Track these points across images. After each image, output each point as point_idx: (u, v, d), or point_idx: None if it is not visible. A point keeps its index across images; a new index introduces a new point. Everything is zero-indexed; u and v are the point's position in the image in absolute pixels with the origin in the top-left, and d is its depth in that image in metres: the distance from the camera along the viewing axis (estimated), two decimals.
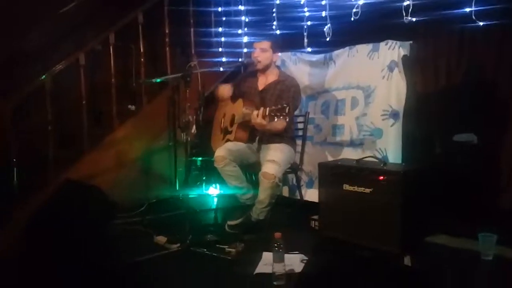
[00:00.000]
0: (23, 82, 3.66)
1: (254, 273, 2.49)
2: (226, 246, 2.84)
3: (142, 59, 4.16)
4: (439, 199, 3.03)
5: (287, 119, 2.95)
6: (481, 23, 2.86)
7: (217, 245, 2.89)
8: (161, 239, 3.03)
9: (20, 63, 4.12)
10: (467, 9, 2.89)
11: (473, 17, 2.86)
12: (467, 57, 3.47)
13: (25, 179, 3.47)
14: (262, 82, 3.49)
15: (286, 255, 2.41)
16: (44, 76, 3.58)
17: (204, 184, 3.99)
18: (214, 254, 2.78)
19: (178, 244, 2.89)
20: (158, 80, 3.71)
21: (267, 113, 2.94)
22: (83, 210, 3.06)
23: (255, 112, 3.05)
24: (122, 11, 4.19)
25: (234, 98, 3.58)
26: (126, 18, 4.07)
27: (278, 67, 3.61)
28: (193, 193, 3.83)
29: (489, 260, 2.48)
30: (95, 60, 4.14)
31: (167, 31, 4.30)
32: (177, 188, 3.56)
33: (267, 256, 2.57)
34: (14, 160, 3.41)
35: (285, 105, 2.85)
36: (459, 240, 2.69)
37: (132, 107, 4.27)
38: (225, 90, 3.64)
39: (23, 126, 3.78)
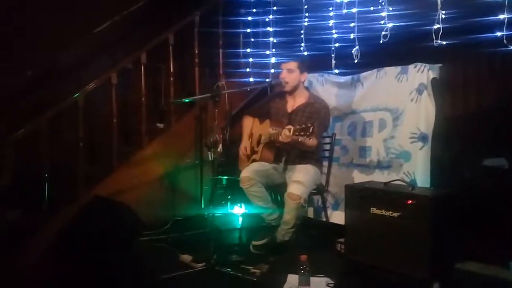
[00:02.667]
0: (58, 98, 3.78)
1: None
2: (251, 267, 2.84)
3: (171, 79, 4.24)
4: (469, 225, 2.96)
5: (310, 140, 2.96)
6: None
7: (242, 266, 2.88)
8: (186, 257, 3.04)
9: (56, 80, 4.26)
10: (498, 33, 2.86)
11: (505, 41, 2.83)
12: (498, 81, 3.43)
13: (56, 194, 3.56)
14: (291, 104, 3.50)
15: (311, 278, 2.39)
16: (78, 94, 3.69)
17: (229, 203, 4.00)
18: (238, 274, 2.78)
19: (203, 263, 2.90)
20: (187, 100, 3.78)
21: (291, 133, 2.96)
22: (110, 226, 3.10)
23: (286, 131, 3.06)
24: (153, 31, 4.30)
25: (262, 118, 3.61)
26: (157, 39, 4.17)
27: (307, 88, 3.62)
28: (218, 212, 3.84)
29: None
30: (126, 79, 4.25)
31: (196, 52, 4.39)
32: (203, 207, 3.57)
33: (292, 278, 2.55)
34: (46, 175, 3.51)
35: (309, 125, 2.87)
36: (490, 268, 2.60)
37: (161, 125, 4.34)
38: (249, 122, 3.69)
39: (56, 141, 3.89)
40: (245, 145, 3.57)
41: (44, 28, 4.07)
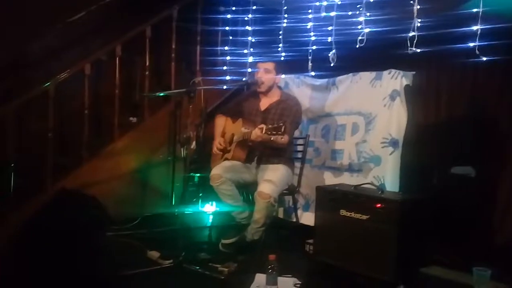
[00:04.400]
0: (28, 87, 3.67)
1: None
2: (219, 265, 2.82)
3: (147, 72, 4.18)
4: (436, 230, 3.02)
5: (282, 138, 2.97)
6: (484, 58, 2.89)
7: (210, 264, 2.87)
8: (153, 254, 3.01)
9: (27, 68, 4.15)
10: (471, 44, 2.92)
11: (477, 51, 2.89)
12: (469, 90, 3.51)
13: (23, 184, 3.47)
14: (264, 103, 3.52)
15: (279, 278, 2.39)
16: (48, 83, 3.60)
17: (200, 201, 3.97)
18: (206, 272, 2.76)
19: (171, 260, 2.87)
20: (162, 94, 3.73)
21: (263, 132, 2.97)
22: (77, 219, 3.04)
23: (256, 129, 3.06)
24: (130, 23, 4.23)
25: (235, 117, 3.60)
26: (134, 31, 4.11)
27: (279, 87, 3.64)
28: (189, 209, 3.81)
29: None
30: (100, 71, 4.17)
31: (173, 47, 4.34)
32: (173, 204, 3.54)
33: (260, 278, 2.55)
34: (13, 164, 3.41)
35: (281, 124, 2.88)
36: (454, 273, 2.66)
37: (134, 119, 4.28)
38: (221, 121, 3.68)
39: (24, 131, 3.79)
40: (219, 141, 3.55)
41: (17, 15, 3.96)
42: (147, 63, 4.17)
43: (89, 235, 2.99)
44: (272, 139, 2.99)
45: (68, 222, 2.94)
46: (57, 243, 2.72)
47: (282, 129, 2.87)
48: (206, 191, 3.84)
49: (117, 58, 3.99)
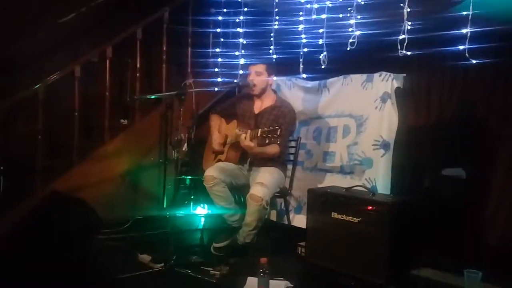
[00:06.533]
0: (17, 89, 3.64)
1: None
2: (211, 269, 2.82)
3: (138, 74, 4.16)
4: (426, 232, 3.04)
5: (278, 142, 2.97)
6: (474, 61, 2.91)
7: (202, 267, 2.86)
8: (145, 257, 2.99)
9: (16, 69, 4.11)
10: (461, 47, 2.94)
11: (466, 54, 2.91)
12: (459, 93, 3.54)
13: (12, 187, 3.43)
14: (258, 105, 3.52)
15: (270, 281, 2.39)
16: (38, 85, 3.57)
17: (192, 204, 3.95)
18: (198, 276, 2.75)
19: (162, 264, 2.86)
20: (153, 96, 3.71)
21: (258, 135, 2.96)
22: (68, 223, 3.01)
23: (243, 135, 3.07)
24: (121, 25, 4.21)
25: (228, 119, 3.60)
26: (124, 33, 4.09)
27: (274, 91, 3.64)
28: (180, 212, 3.79)
29: None
30: (90, 73, 4.14)
31: (164, 49, 4.32)
32: (165, 206, 3.52)
33: (251, 281, 2.55)
34: (1, 167, 3.38)
35: (277, 127, 2.87)
36: (444, 275, 2.68)
37: (125, 122, 4.25)
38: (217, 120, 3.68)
39: (14, 133, 3.75)
40: (218, 141, 3.54)
41: (6, 16, 3.93)
42: (138, 65, 4.15)
43: (79, 238, 2.97)
44: (267, 142, 2.96)
45: (58, 226, 2.92)
46: (47, 247, 2.69)
47: (278, 132, 2.85)
48: (198, 193, 3.82)
49: (108, 60, 3.96)
